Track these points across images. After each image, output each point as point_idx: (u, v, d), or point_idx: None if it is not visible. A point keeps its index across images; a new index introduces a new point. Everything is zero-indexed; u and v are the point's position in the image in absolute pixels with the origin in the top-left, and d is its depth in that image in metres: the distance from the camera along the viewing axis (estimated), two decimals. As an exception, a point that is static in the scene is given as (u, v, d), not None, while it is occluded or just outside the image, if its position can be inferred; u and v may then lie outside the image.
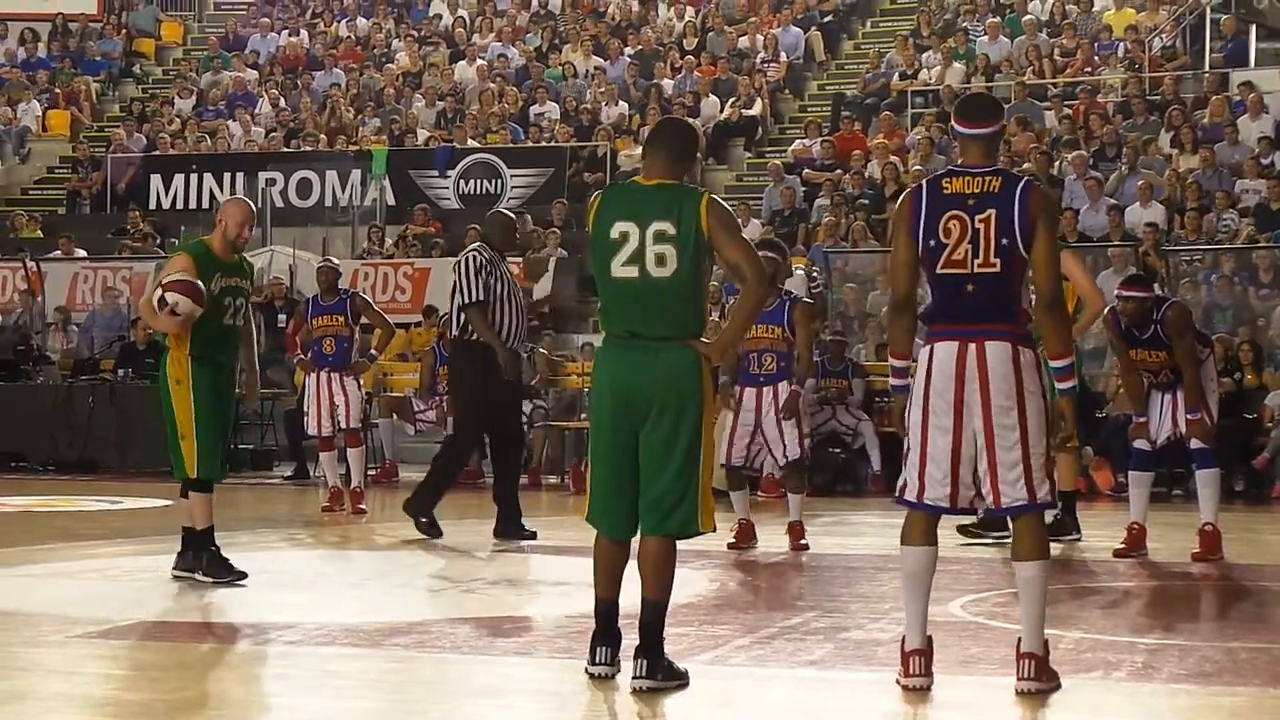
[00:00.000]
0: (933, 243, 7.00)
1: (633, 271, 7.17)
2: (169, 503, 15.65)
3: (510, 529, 13.11)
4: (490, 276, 12.78)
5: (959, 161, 7.23)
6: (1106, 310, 11.99)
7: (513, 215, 14.02)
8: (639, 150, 26.54)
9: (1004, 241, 6.93)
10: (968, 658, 8.20)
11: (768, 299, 7.41)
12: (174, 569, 10.55)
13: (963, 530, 12.45)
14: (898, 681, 7.19)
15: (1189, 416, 11.72)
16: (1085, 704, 7.15)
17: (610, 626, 7.33)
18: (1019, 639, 7.20)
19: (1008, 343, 6.96)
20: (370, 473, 18.28)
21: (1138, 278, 12.57)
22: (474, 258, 12.84)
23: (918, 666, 7.18)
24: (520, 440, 14.51)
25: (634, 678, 7.19)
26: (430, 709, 7.20)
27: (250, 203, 11.15)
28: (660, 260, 7.13)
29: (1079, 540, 12.62)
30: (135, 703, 7.13)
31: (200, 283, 10.00)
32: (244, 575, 10.33)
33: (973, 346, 6.95)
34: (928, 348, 7.07)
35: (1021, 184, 7.02)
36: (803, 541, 12.28)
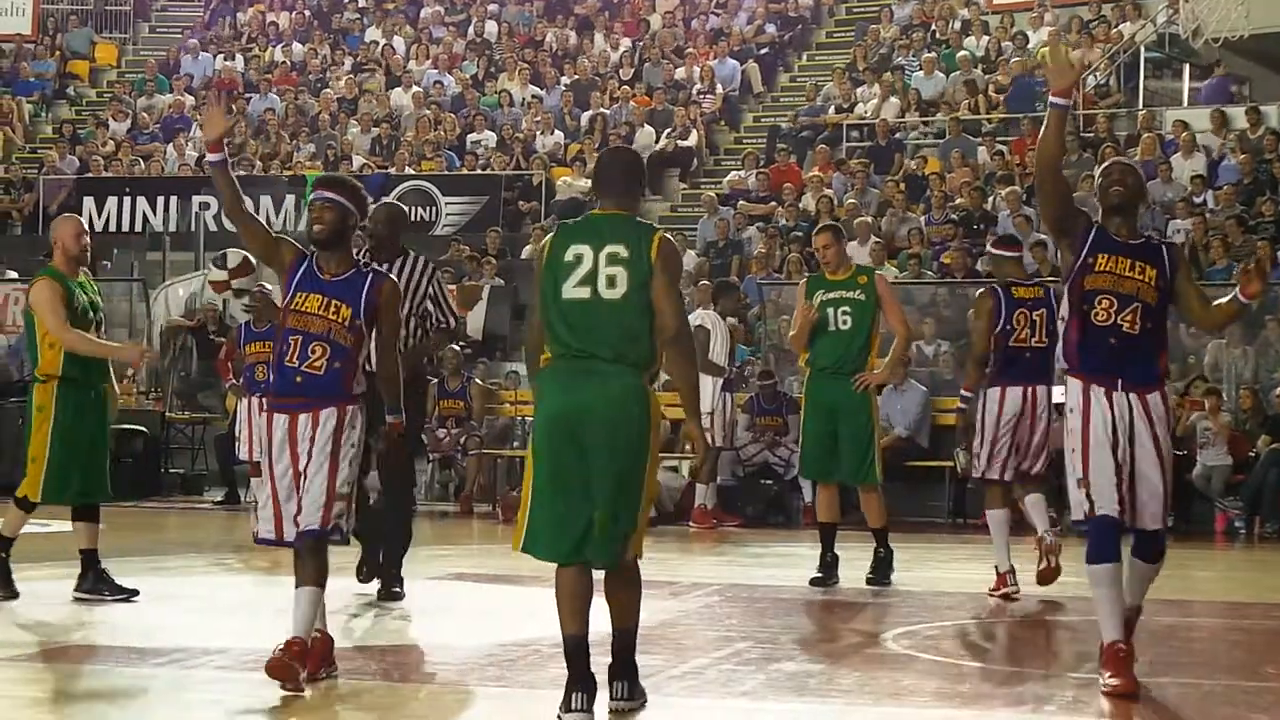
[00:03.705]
0: None
1: (584, 292, 7.13)
2: (99, 526, 15.60)
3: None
4: None
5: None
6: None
7: (401, 206, 11.79)
8: (574, 179, 26.69)
9: None
10: (900, 689, 8.22)
11: (689, 354, 7.40)
12: (75, 590, 10.76)
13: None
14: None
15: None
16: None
17: (586, 668, 7.08)
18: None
19: None
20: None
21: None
22: None
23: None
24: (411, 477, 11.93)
25: (613, 699, 7.17)
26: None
27: (78, 216, 11.53)
28: (611, 282, 7.12)
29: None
30: None
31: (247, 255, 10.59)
32: (15, 595, 10.63)
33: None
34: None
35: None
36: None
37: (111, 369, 11.23)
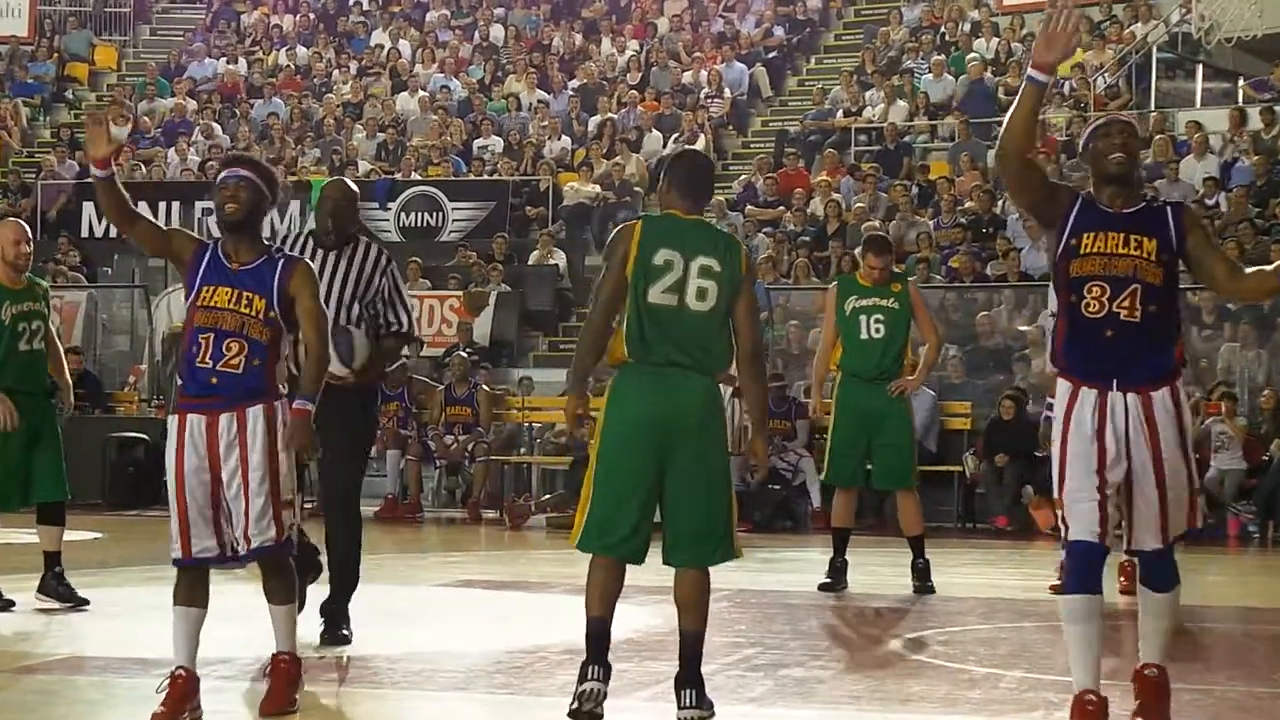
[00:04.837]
0: None
1: (672, 300, 7.24)
2: (99, 535, 15.64)
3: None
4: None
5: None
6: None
7: (354, 186, 9.84)
8: (582, 184, 26.73)
9: None
10: (909, 695, 8.26)
11: (763, 371, 7.58)
12: (37, 592, 10.83)
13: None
14: None
15: None
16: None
17: (604, 647, 7.28)
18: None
19: None
20: (307, 505, 18.18)
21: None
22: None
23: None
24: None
25: (683, 708, 7.24)
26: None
27: (20, 221, 11.31)
28: (701, 294, 7.24)
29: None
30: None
31: None
32: (10, 604, 10.67)
33: None
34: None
35: None
36: None
37: (65, 370, 11.19)
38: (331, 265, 9.15)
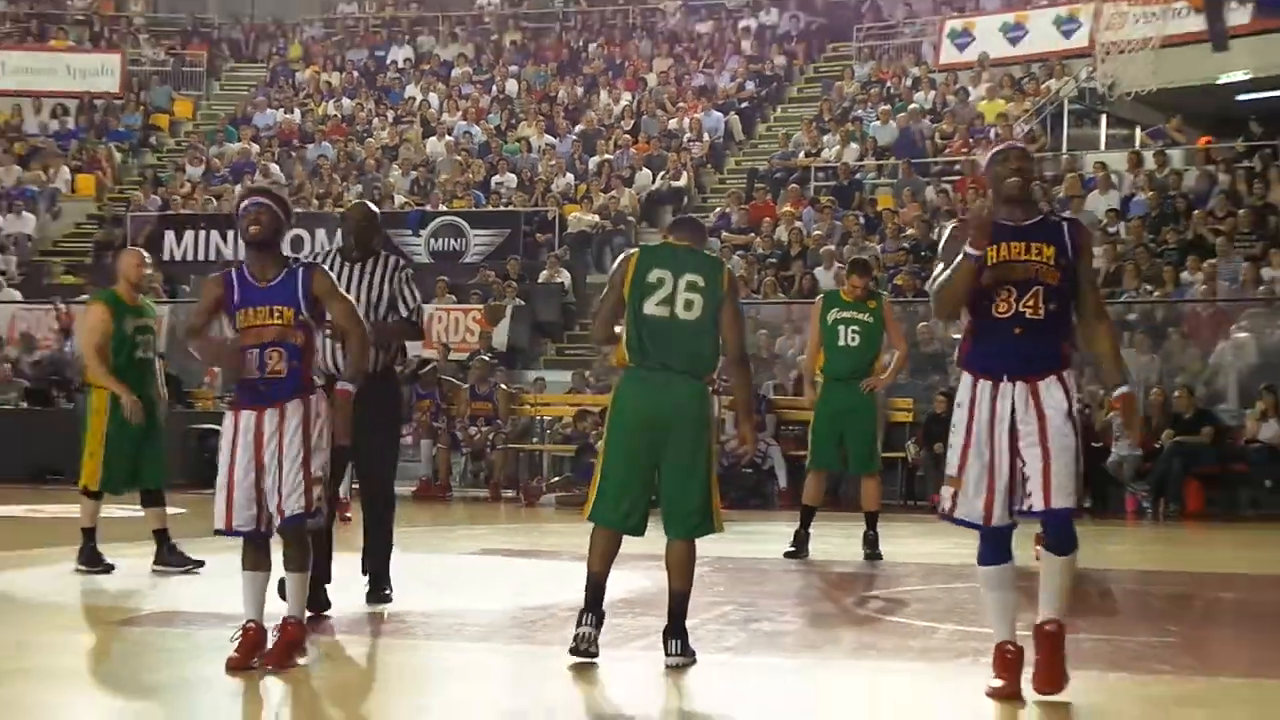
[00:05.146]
0: None
1: (664, 311, 7.31)
2: (183, 510, 15.68)
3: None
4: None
5: None
6: None
7: (374, 208, 9.60)
8: (583, 214, 26.77)
9: None
10: (862, 645, 8.30)
11: (748, 371, 7.64)
12: (153, 564, 10.93)
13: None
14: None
15: None
16: (970, 686, 7.24)
17: (600, 597, 7.41)
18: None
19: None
20: (355, 485, 18.21)
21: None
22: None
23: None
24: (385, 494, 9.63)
25: (669, 655, 7.35)
26: (405, 685, 7.26)
27: (141, 249, 11.48)
28: (689, 305, 7.30)
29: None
30: (154, 682, 7.16)
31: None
32: (111, 568, 10.73)
33: None
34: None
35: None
36: None
37: (159, 377, 11.23)
38: (357, 276, 8.94)
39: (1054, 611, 6.66)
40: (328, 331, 7.66)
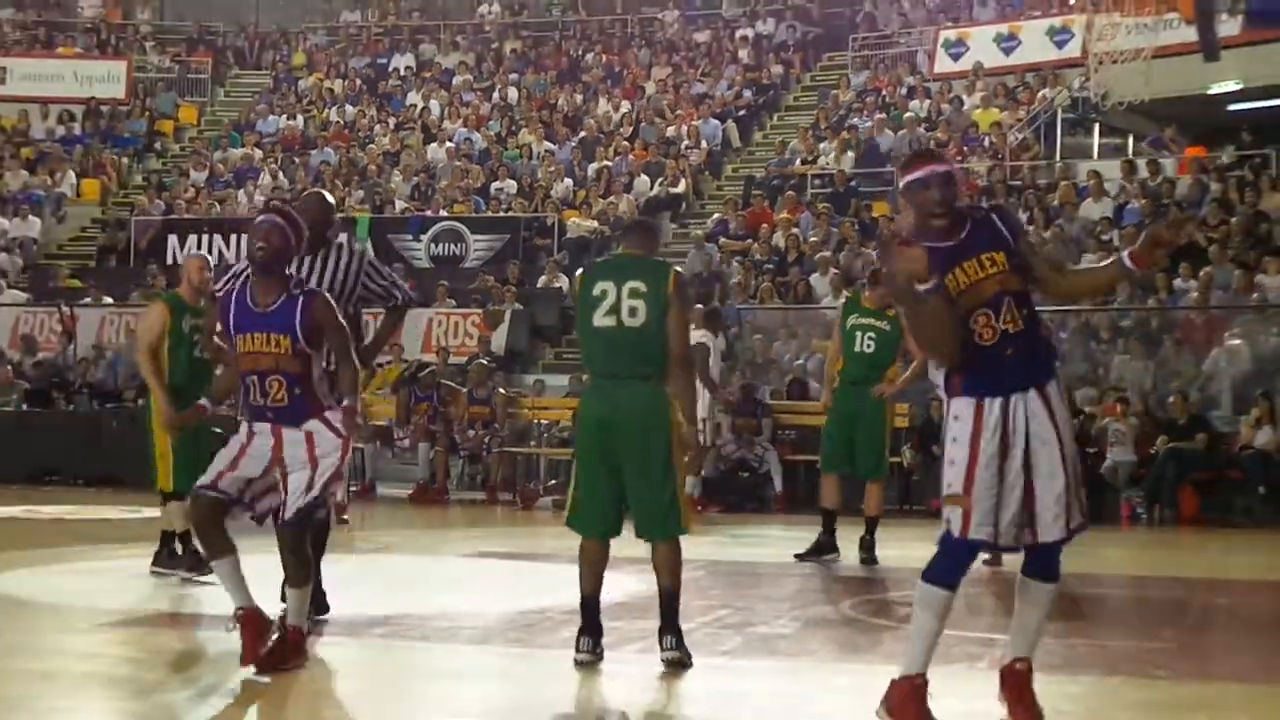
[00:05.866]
0: None
1: (611, 321, 7.34)
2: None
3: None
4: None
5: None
6: None
7: (330, 198, 9.22)
8: (582, 219, 26.72)
9: None
10: (856, 648, 8.24)
11: (691, 372, 7.58)
12: (152, 566, 10.71)
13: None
14: None
15: None
16: (960, 690, 7.17)
17: (595, 620, 7.46)
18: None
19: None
20: (352, 489, 18.20)
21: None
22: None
23: None
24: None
25: (664, 650, 7.37)
26: (402, 688, 7.20)
27: (204, 255, 11.71)
28: (633, 312, 7.31)
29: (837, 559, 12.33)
30: (153, 682, 7.11)
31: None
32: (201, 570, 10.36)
33: None
34: None
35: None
36: None
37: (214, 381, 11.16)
38: (319, 268, 8.43)
39: (1029, 649, 6.16)
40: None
